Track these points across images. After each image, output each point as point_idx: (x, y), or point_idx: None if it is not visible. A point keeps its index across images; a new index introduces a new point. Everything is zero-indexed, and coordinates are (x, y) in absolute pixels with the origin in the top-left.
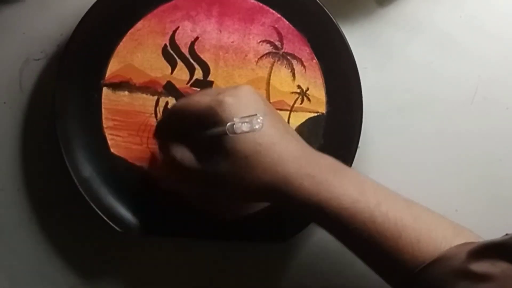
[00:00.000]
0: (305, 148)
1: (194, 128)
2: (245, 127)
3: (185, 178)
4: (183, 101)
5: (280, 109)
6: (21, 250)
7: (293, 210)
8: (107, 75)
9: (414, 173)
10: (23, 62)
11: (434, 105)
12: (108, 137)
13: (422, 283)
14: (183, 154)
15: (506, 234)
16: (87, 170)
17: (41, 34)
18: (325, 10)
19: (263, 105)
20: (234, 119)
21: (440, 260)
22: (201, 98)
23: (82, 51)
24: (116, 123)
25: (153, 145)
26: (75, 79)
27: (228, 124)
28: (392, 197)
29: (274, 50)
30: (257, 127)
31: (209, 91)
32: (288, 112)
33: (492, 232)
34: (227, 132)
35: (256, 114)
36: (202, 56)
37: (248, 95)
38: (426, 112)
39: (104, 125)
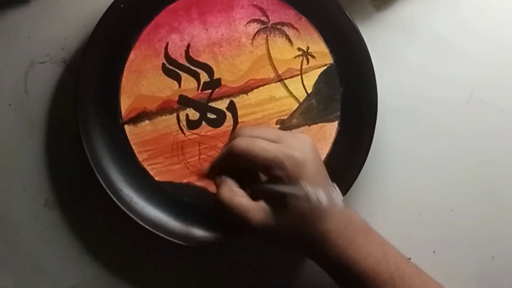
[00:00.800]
0: (340, 205)
1: (257, 177)
2: (323, 198)
3: (235, 217)
4: (244, 145)
5: (291, 77)
6: (25, 249)
7: (323, 266)
8: (123, 113)
9: (409, 173)
10: (28, 65)
11: (430, 106)
12: (148, 168)
13: None
14: (239, 194)
15: None
16: (132, 196)
17: (45, 37)
18: None
19: (320, 161)
20: (317, 191)
21: None
22: (266, 146)
23: (91, 98)
24: (149, 153)
25: (191, 162)
26: (96, 125)
27: (304, 186)
28: (406, 261)
29: (262, 26)
30: (340, 204)
31: (267, 133)
32: (299, 76)
33: (486, 231)
34: (301, 197)
35: (335, 188)
36: (200, 60)
37: (311, 149)
38: (422, 113)
39: (140, 159)
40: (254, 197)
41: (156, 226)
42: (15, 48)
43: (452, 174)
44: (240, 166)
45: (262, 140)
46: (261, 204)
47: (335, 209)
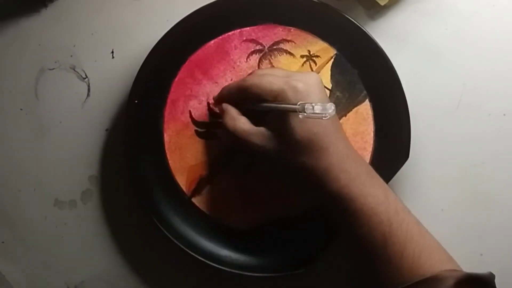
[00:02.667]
0: (349, 146)
1: (260, 100)
2: (317, 109)
3: (239, 142)
4: (255, 79)
5: None
6: (36, 246)
7: (321, 198)
8: (184, 189)
9: (401, 174)
10: (38, 71)
11: (421, 111)
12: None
13: None
14: (241, 121)
15: (490, 272)
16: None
17: (55, 45)
18: None
19: (326, 96)
20: (314, 105)
21: (434, 279)
22: (274, 80)
23: (151, 180)
24: (226, 209)
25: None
26: (164, 202)
27: (300, 102)
28: (407, 210)
29: (261, 54)
30: (330, 111)
31: (278, 72)
32: None
33: (475, 229)
34: (297, 110)
35: (329, 103)
36: None
37: (316, 83)
38: (413, 117)
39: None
40: (256, 124)
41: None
42: (26, 55)
43: (442, 175)
44: (248, 98)
45: (271, 75)
46: (261, 129)
47: (339, 149)
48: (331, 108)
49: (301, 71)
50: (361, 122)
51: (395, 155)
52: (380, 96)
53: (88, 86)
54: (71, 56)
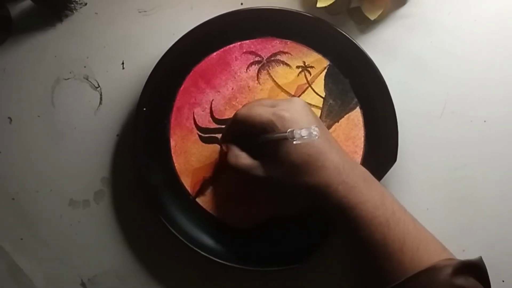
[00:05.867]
0: (344, 157)
1: (254, 134)
2: (304, 133)
3: (243, 176)
4: (244, 112)
5: (303, 91)
6: (52, 243)
7: (326, 210)
8: (189, 190)
9: (390, 176)
10: (54, 81)
11: (408, 118)
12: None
13: (417, 283)
14: (242, 157)
15: (480, 257)
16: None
17: (70, 56)
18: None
19: (313, 118)
20: (300, 130)
21: (433, 269)
22: (262, 111)
23: (159, 185)
24: (226, 209)
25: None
26: (171, 199)
27: (289, 130)
28: (403, 209)
29: (260, 65)
30: (314, 133)
31: (265, 102)
32: (309, 88)
33: (458, 227)
34: (287, 137)
35: (313, 126)
36: (226, 117)
37: (301, 108)
38: (401, 124)
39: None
40: (254, 157)
41: (178, 229)
42: (43, 66)
43: (428, 177)
44: (244, 131)
45: (259, 107)
46: (262, 161)
47: (335, 163)
48: (315, 130)
49: (286, 98)
50: (352, 127)
51: (384, 158)
52: (370, 104)
53: (100, 94)
54: (85, 67)
